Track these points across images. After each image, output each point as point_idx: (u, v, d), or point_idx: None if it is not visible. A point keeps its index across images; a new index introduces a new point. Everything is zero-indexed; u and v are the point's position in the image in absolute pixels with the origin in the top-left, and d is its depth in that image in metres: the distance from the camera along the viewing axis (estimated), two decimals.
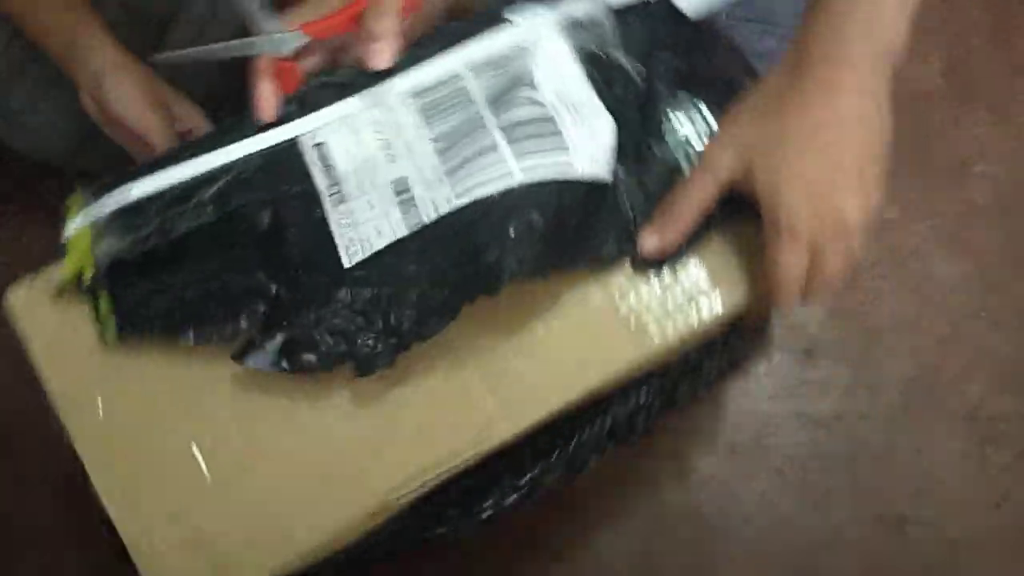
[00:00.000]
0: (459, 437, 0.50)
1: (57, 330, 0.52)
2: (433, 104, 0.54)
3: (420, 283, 0.50)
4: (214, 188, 0.52)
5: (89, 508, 0.48)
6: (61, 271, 0.52)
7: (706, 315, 0.52)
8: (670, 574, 0.68)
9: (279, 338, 0.50)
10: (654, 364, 0.53)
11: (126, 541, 0.48)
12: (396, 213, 0.52)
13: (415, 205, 0.52)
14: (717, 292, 0.53)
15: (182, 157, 0.54)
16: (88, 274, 0.52)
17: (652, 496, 0.74)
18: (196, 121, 0.67)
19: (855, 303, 0.81)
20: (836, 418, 0.78)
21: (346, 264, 0.51)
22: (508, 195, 0.50)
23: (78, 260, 0.52)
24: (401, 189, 0.53)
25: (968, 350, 0.81)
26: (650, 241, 0.52)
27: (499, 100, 0.54)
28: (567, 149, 0.52)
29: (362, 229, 0.52)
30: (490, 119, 0.53)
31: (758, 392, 0.79)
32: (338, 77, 0.56)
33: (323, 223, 0.52)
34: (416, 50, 0.55)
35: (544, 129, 0.52)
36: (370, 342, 0.49)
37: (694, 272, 0.53)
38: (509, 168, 0.51)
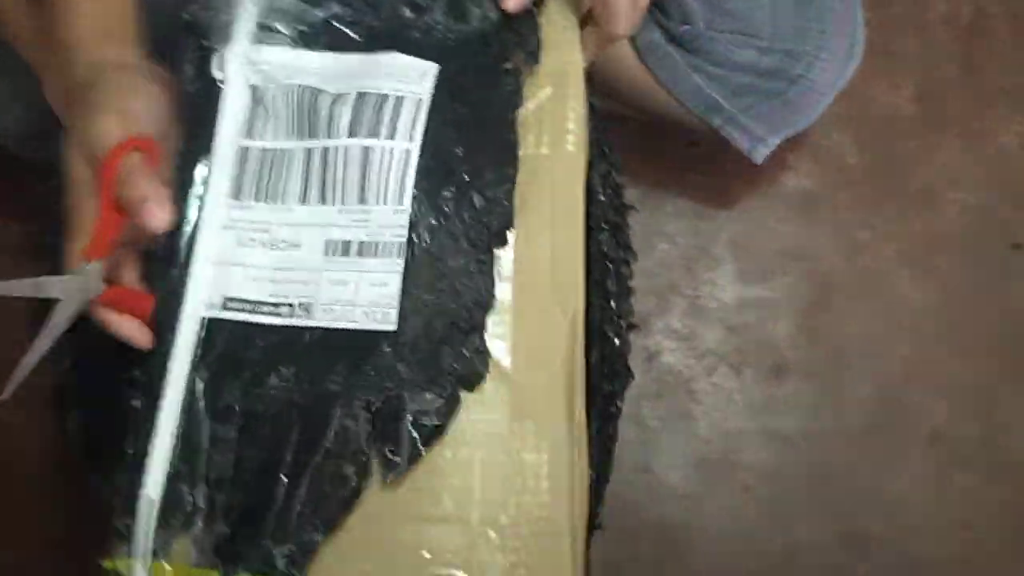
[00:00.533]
0: None
1: None
2: None
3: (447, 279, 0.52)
4: (200, 410, 0.51)
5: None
6: None
7: None
8: None
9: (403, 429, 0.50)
10: None
11: None
12: (371, 262, 0.53)
13: (372, 241, 0.53)
14: None
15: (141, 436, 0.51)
16: None
17: (618, 508, 0.74)
18: None
19: (824, 323, 0.82)
20: (803, 436, 0.79)
21: (393, 328, 0.51)
22: None
23: None
24: (327, 247, 0.53)
25: (934, 374, 0.82)
26: None
27: None
28: None
29: (366, 298, 0.51)
30: None
31: (728, 407, 0.79)
32: None
33: (325, 339, 0.51)
34: None
35: None
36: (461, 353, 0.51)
37: None
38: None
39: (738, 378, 0.80)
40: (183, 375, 0.51)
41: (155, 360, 0.51)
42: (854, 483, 0.78)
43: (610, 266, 0.56)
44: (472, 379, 0.51)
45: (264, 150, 0.54)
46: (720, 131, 0.73)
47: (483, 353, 0.51)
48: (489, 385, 0.52)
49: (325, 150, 0.53)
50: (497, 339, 0.53)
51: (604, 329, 0.55)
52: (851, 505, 0.77)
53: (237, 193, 0.54)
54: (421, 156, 0.53)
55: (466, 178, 0.53)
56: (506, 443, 0.51)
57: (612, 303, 0.56)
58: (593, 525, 0.53)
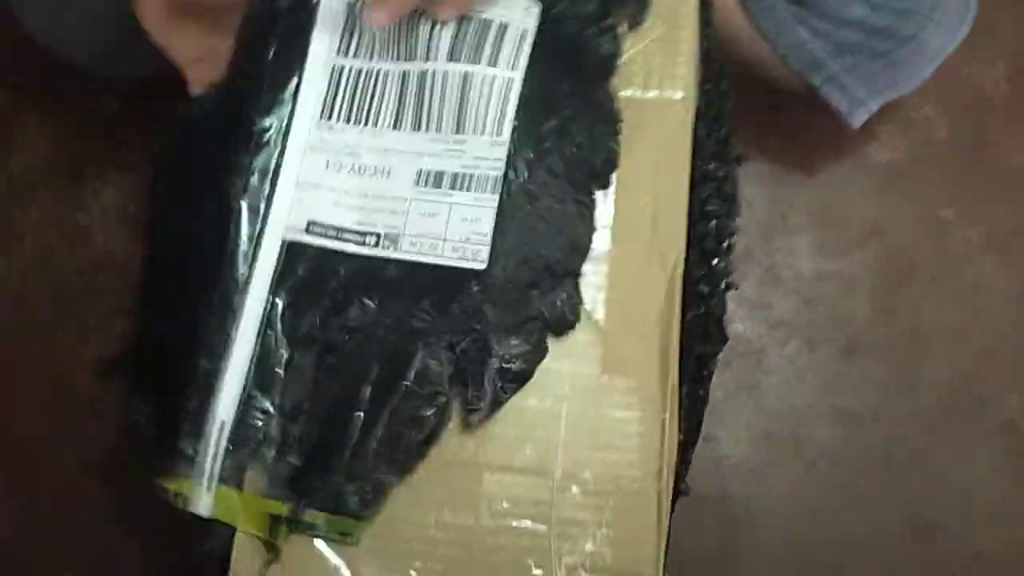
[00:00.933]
0: None
1: None
2: None
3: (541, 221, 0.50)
4: (279, 333, 0.49)
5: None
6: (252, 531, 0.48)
7: None
8: (692, 558, 0.66)
9: (488, 372, 0.48)
10: None
11: None
12: (463, 197, 0.50)
13: (466, 172, 0.50)
14: None
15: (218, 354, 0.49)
16: (282, 509, 0.47)
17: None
18: None
19: (902, 302, 0.79)
20: (872, 417, 0.76)
21: (482, 268, 0.49)
22: None
23: (258, 514, 0.48)
24: (419, 177, 0.51)
25: (1011, 363, 0.79)
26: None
27: None
28: None
29: (456, 234, 0.49)
30: None
31: (798, 382, 0.77)
32: None
33: (410, 272, 0.49)
34: None
35: None
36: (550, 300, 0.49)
37: None
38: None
39: (810, 353, 0.77)
40: (262, 298, 0.49)
41: (234, 279, 0.49)
42: (922, 469, 0.75)
43: (712, 222, 0.54)
44: (562, 326, 0.49)
45: (358, 71, 0.52)
46: (819, 91, 0.70)
47: (575, 300, 0.49)
48: (581, 336, 0.50)
49: (423, 74, 0.51)
50: (592, 289, 0.50)
51: (700, 288, 0.53)
52: (918, 491, 0.74)
53: (328, 114, 0.51)
54: (523, 87, 0.50)
55: (570, 113, 0.50)
56: (596, 397, 0.49)
57: (711, 261, 0.53)
58: (679, 490, 0.50)
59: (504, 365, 0.48)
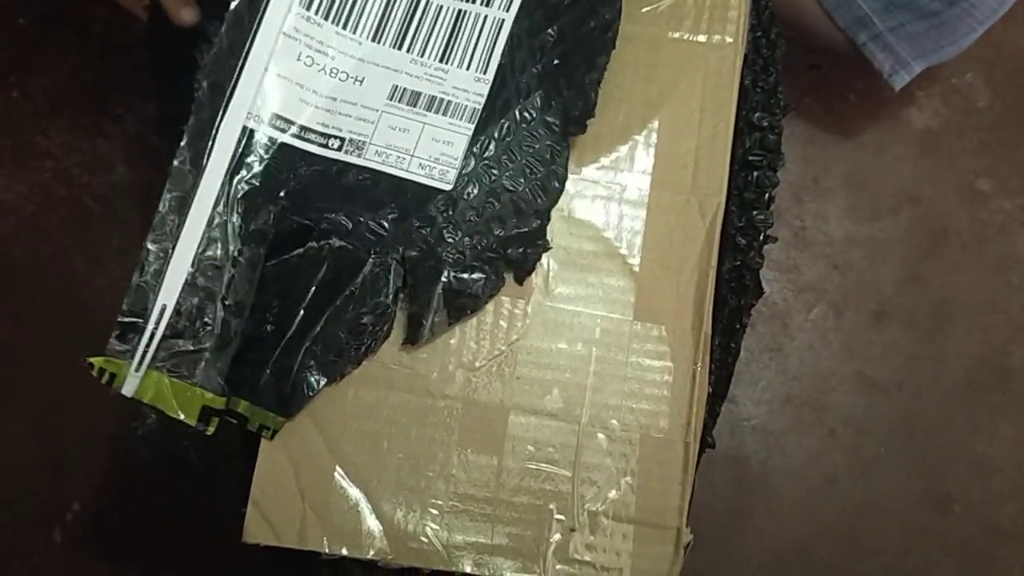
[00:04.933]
0: None
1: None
2: None
3: (516, 158, 0.48)
4: (231, 223, 0.48)
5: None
6: (182, 420, 0.46)
7: None
8: (706, 516, 0.66)
9: (437, 291, 0.47)
10: None
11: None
12: (438, 120, 0.49)
13: (448, 100, 0.49)
14: None
15: (168, 234, 0.47)
16: (219, 402, 0.46)
17: None
18: None
19: (932, 272, 0.78)
20: (897, 385, 0.75)
21: (448, 189, 0.48)
22: None
23: (187, 404, 0.46)
24: (409, 99, 0.49)
25: None
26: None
27: None
28: None
29: (425, 152, 0.48)
30: None
31: (822, 347, 0.76)
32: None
33: (372, 179, 0.48)
34: None
35: None
36: (515, 240, 0.48)
37: None
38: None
39: (837, 318, 0.76)
40: (216, 184, 0.48)
41: (194, 158, 0.48)
42: (943, 441, 0.74)
43: (754, 173, 0.52)
44: (523, 266, 0.48)
45: None
46: (862, 49, 0.68)
47: (539, 243, 0.48)
48: (615, 282, 0.48)
49: (415, 0, 0.50)
50: (628, 234, 0.49)
51: (738, 239, 0.51)
52: (937, 463, 0.74)
53: (307, 3, 0.50)
54: (515, 26, 0.49)
55: (555, 61, 0.49)
56: (627, 344, 0.48)
57: (750, 212, 0.52)
58: (705, 443, 0.49)
59: (454, 288, 0.47)
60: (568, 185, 0.49)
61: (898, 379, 0.75)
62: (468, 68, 0.49)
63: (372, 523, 0.45)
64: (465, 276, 0.47)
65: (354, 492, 0.45)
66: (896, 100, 0.77)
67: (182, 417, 0.46)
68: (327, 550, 0.44)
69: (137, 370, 0.46)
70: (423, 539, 0.45)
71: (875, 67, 0.69)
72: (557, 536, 0.46)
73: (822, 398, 0.74)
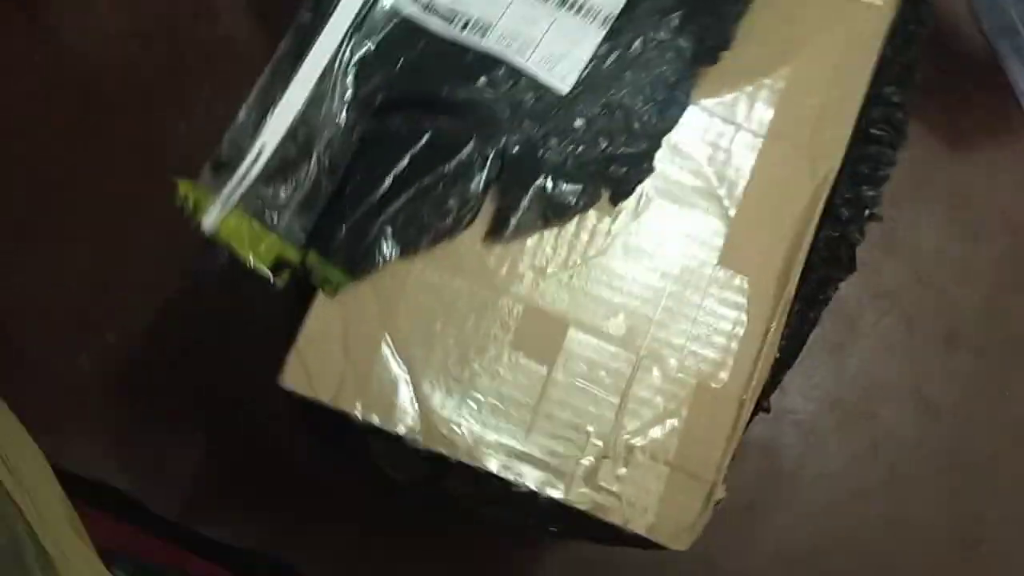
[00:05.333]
0: None
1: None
2: None
3: (639, 76, 0.47)
4: (342, 83, 0.47)
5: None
6: (252, 264, 0.45)
7: None
8: (727, 503, 0.64)
9: (530, 192, 0.45)
10: None
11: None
12: (570, 18, 0.47)
13: (590, 6, 0.47)
14: None
15: (281, 78, 0.47)
16: (294, 255, 0.45)
17: None
18: None
19: (1017, 306, 0.75)
20: (952, 413, 0.73)
21: (564, 91, 0.46)
22: None
23: (262, 250, 0.45)
24: None
25: None
26: None
27: None
28: None
29: (550, 48, 0.47)
30: None
31: (886, 357, 0.73)
32: None
33: (489, 64, 0.46)
34: None
35: None
36: (621, 158, 0.46)
37: None
38: None
39: (907, 330, 0.73)
40: (334, 43, 0.47)
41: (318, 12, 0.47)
42: (985, 479, 0.71)
43: (873, 147, 0.50)
44: (622, 187, 0.46)
45: None
46: (1000, 59, 0.65)
47: (644, 167, 0.47)
48: (707, 222, 0.47)
49: None
50: (731, 178, 0.47)
51: (841, 211, 0.49)
52: (974, 500, 0.71)
53: None
54: None
55: None
56: (705, 287, 0.46)
57: (860, 186, 0.50)
58: (760, 406, 0.48)
59: (548, 194, 0.46)
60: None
61: (955, 406, 0.72)
62: None
63: (408, 400, 0.44)
64: (562, 184, 0.46)
65: (397, 365, 0.44)
66: (1019, 121, 0.73)
67: (254, 262, 0.45)
68: (359, 416, 0.43)
69: (223, 207, 0.45)
70: (455, 428, 0.44)
71: (1008, 80, 0.66)
72: (589, 459, 0.44)
73: (873, 408, 0.72)
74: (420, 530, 0.69)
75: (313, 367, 0.43)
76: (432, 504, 0.62)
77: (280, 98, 0.46)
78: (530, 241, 0.46)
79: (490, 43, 0.47)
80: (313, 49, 0.47)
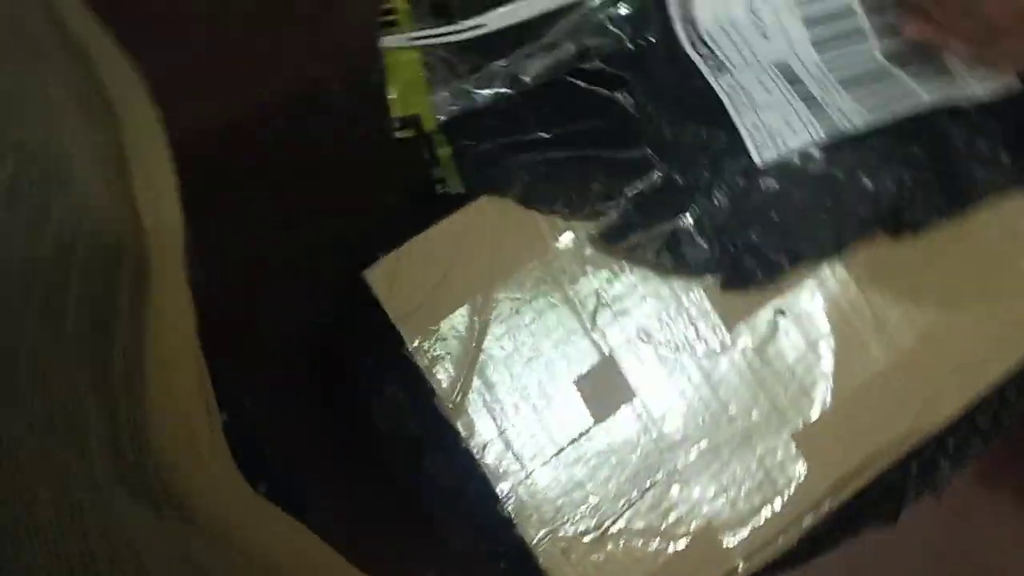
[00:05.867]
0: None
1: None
2: None
3: (823, 199, 0.46)
4: (567, 26, 0.46)
5: None
6: (391, 101, 0.44)
7: None
8: None
9: (666, 226, 0.44)
10: None
11: None
12: (804, 110, 0.46)
13: (823, 108, 0.47)
14: None
15: None
16: (429, 124, 0.44)
17: None
18: None
19: None
20: None
21: (757, 161, 0.45)
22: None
23: (409, 99, 0.44)
24: (792, 77, 0.47)
25: None
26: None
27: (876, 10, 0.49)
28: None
29: (767, 118, 0.46)
30: (870, 35, 0.48)
31: None
32: None
33: (702, 89, 0.46)
34: None
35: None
36: (753, 258, 0.45)
37: None
38: (914, 91, 0.47)
39: None
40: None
41: None
42: None
43: (975, 434, 0.49)
44: (738, 276, 0.45)
45: None
46: None
47: (771, 278, 0.46)
48: (804, 393, 0.45)
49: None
50: (843, 373, 0.46)
51: (911, 463, 0.48)
52: None
53: None
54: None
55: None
56: (770, 447, 0.45)
57: (941, 455, 0.49)
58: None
59: (675, 237, 0.45)
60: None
61: None
62: (858, 103, 0.47)
63: (461, 366, 0.42)
64: (693, 238, 0.45)
65: (470, 330, 0.42)
66: None
67: (394, 101, 0.44)
68: (409, 350, 0.41)
69: (411, 40, 0.44)
70: (484, 415, 0.42)
71: None
72: (574, 528, 0.42)
73: None
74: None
75: (401, 278, 0.42)
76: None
77: None
78: (647, 305, 0.44)
79: (719, 84, 0.46)
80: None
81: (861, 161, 0.46)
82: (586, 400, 0.43)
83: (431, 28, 0.44)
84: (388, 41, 0.44)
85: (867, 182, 0.46)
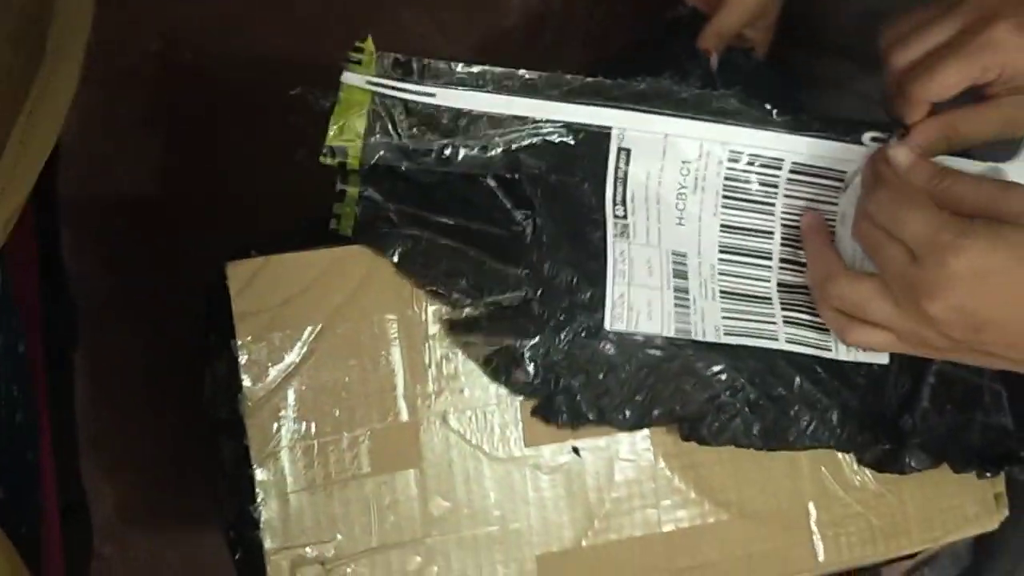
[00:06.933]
0: None
1: None
2: (742, 183, 0.52)
3: (647, 380, 0.49)
4: (508, 133, 0.49)
5: None
6: (332, 127, 0.48)
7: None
8: None
9: (506, 341, 0.48)
10: None
11: None
12: (669, 303, 0.50)
13: (688, 308, 0.50)
14: None
15: (494, 87, 0.49)
16: (352, 163, 0.48)
17: None
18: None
19: None
20: None
21: (606, 325, 0.49)
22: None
23: (346, 133, 0.48)
24: (679, 270, 0.51)
25: None
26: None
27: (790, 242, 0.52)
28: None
29: (634, 295, 0.50)
30: (776, 264, 0.52)
31: None
32: (684, 91, 0.51)
33: (599, 242, 0.50)
34: (763, 112, 0.51)
35: None
36: (566, 402, 0.49)
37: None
38: (774, 332, 0.51)
39: None
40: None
41: None
42: None
43: None
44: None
45: None
46: None
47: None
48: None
49: None
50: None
51: None
52: None
53: None
54: None
55: None
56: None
57: None
58: None
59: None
60: None
61: None
62: (723, 318, 0.51)
63: (278, 371, 0.46)
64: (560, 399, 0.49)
65: (296, 355, 0.47)
66: None
67: (331, 133, 0.47)
68: (235, 347, 0.46)
69: (369, 84, 0.48)
70: (278, 423, 0.46)
71: None
72: None
73: None
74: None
75: (259, 282, 0.46)
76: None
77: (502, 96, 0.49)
78: (466, 394, 0.48)
79: (615, 247, 0.50)
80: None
81: (691, 365, 0.50)
82: (371, 451, 0.47)
83: (388, 80, 0.48)
84: (347, 77, 0.48)
85: (686, 386, 0.50)
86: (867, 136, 0.50)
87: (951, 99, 0.47)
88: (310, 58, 0.60)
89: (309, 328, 0.47)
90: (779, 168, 0.51)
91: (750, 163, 0.51)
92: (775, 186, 0.52)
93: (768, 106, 0.51)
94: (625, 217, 0.50)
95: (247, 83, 0.77)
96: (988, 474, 0.53)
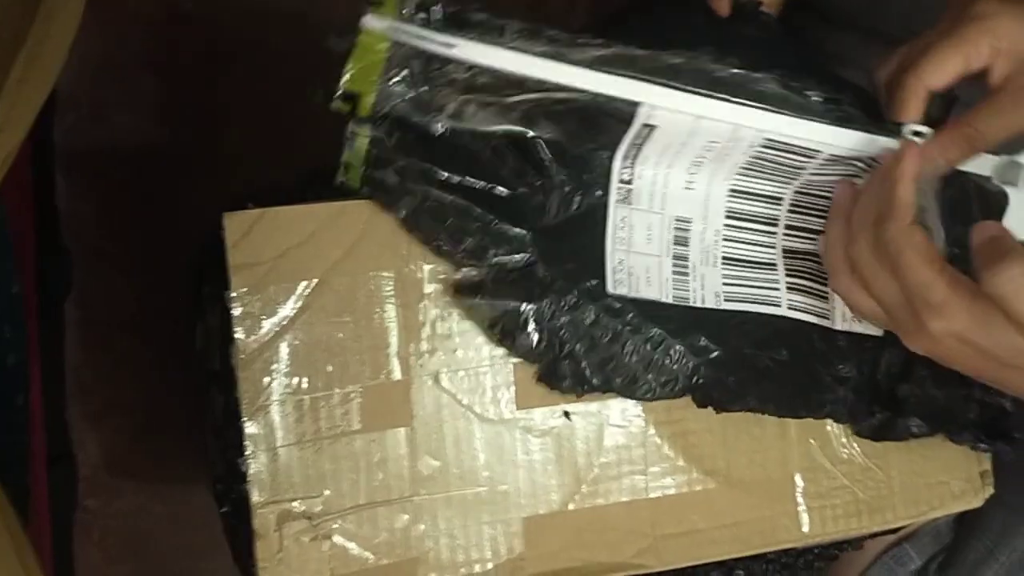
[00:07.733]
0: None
1: None
2: (768, 162, 0.50)
3: (654, 347, 0.49)
4: (528, 99, 0.47)
5: None
6: (347, 72, 0.46)
7: None
8: None
9: (510, 305, 0.48)
10: None
11: None
12: (668, 269, 0.50)
13: (687, 274, 0.50)
14: None
15: (524, 47, 0.47)
16: (365, 110, 0.46)
17: None
18: None
19: None
20: None
21: (608, 288, 0.49)
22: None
23: (361, 78, 0.46)
24: (680, 237, 0.50)
25: None
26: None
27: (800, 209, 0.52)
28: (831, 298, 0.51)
29: (633, 261, 0.50)
30: (781, 231, 0.51)
31: None
32: (720, 69, 0.48)
33: (599, 208, 0.49)
34: (804, 99, 0.49)
35: (823, 270, 0.50)
36: (571, 368, 0.48)
37: None
38: (778, 299, 0.51)
39: None
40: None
41: None
42: None
43: None
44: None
45: None
46: None
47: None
48: None
49: None
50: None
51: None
52: None
53: None
54: None
55: None
56: None
57: None
58: None
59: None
60: None
61: None
62: (723, 285, 0.51)
63: (272, 333, 0.46)
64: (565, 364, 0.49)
65: (292, 308, 0.46)
66: None
67: (347, 78, 0.45)
68: (229, 300, 0.45)
69: (391, 30, 0.46)
70: (270, 377, 0.46)
71: None
72: None
73: None
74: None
75: (255, 234, 0.46)
76: None
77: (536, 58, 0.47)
78: (460, 354, 0.48)
79: (616, 212, 0.50)
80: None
81: (690, 329, 0.50)
82: (362, 408, 0.47)
83: (411, 25, 0.46)
84: (368, 21, 0.46)
85: (687, 349, 0.49)
86: (908, 129, 0.47)
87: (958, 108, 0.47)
88: (315, 5, 0.59)
89: (304, 282, 0.46)
90: (813, 157, 0.49)
91: (783, 150, 0.49)
92: (802, 168, 0.50)
93: (809, 92, 0.49)
94: (630, 182, 0.50)
95: (250, 30, 0.76)
96: (982, 445, 0.53)
